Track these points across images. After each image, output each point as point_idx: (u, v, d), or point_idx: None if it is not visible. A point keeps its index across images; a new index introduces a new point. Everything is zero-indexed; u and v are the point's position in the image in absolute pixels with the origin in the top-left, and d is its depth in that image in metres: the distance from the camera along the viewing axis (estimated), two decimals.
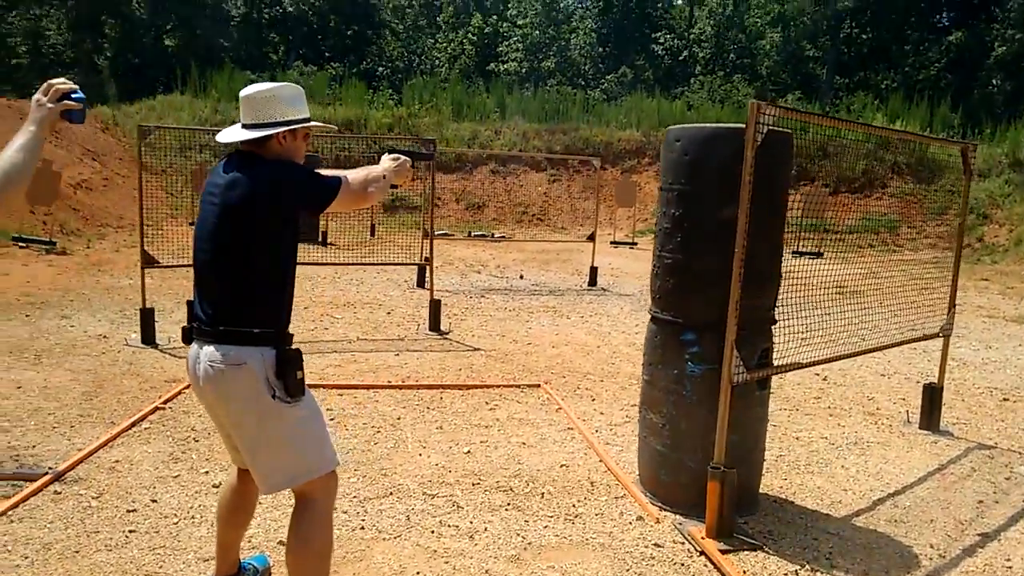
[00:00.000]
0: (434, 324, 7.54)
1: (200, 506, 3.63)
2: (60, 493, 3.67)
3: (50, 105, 2.05)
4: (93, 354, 6.19)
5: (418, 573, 3.13)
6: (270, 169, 2.48)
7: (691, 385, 3.72)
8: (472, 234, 16.53)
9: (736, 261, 3.39)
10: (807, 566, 3.29)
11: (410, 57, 31.87)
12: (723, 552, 3.33)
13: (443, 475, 4.11)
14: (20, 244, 11.11)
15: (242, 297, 2.43)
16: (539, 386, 5.78)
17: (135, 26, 30.23)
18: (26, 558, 3.09)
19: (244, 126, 2.55)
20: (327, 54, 29.35)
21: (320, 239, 14.34)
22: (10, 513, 3.43)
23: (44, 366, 5.76)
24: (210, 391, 2.44)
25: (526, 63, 30.89)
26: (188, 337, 2.53)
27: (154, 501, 3.66)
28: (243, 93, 2.56)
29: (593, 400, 5.57)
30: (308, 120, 2.60)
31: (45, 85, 2.09)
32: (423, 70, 29.72)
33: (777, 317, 3.90)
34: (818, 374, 6.50)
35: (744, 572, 3.21)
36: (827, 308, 4.52)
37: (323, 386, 5.53)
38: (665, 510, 3.77)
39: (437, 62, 31.67)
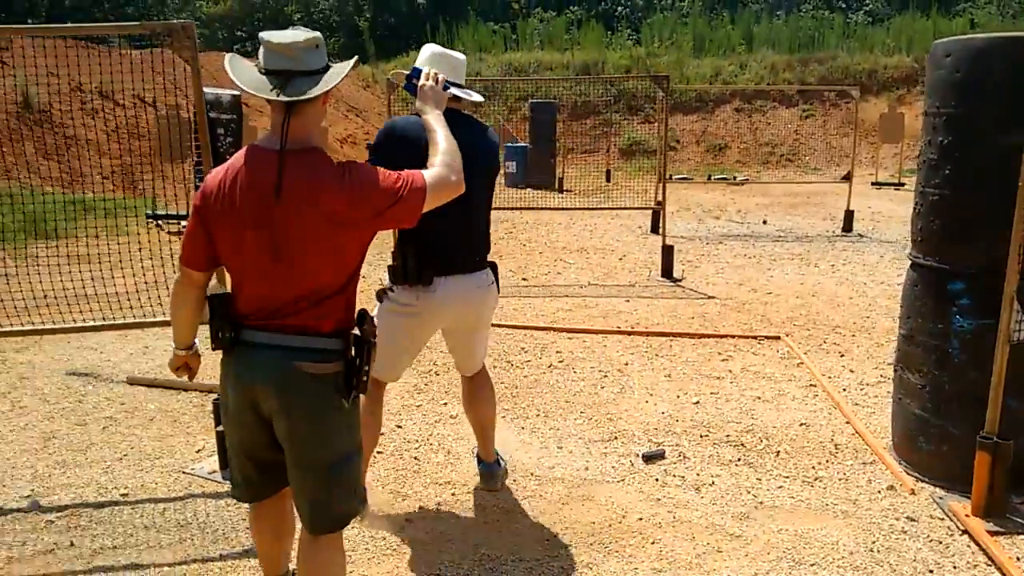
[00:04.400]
0: (666, 270, 7.34)
1: (438, 434, 3.87)
2: None
3: (443, 91, 2.53)
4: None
5: (640, 519, 3.09)
6: (490, 131, 2.98)
7: (959, 342, 3.25)
8: (712, 177, 15.85)
9: (1021, 196, 2.86)
10: None
11: None
12: (991, 533, 2.90)
13: (670, 424, 4.01)
14: None
15: (486, 234, 3.01)
16: (779, 338, 5.41)
17: None
18: None
19: (461, 86, 2.82)
20: None
21: (557, 186, 14.57)
22: None
23: None
24: (475, 305, 2.95)
25: None
26: (429, 278, 2.80)
27: (399, 427, 3.97)
28: (458, 57, 2.86)
29: (841, 356, 5.10)
30: None
31: (432, 73, 2.56)
32: (663, 7, 28.59)
33: None
34: None
35: (1017, 558, 2.77)
36: None
37: (554, 329, 5.62)
38: (922, 481, 3.37)
39: None
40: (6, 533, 2.93)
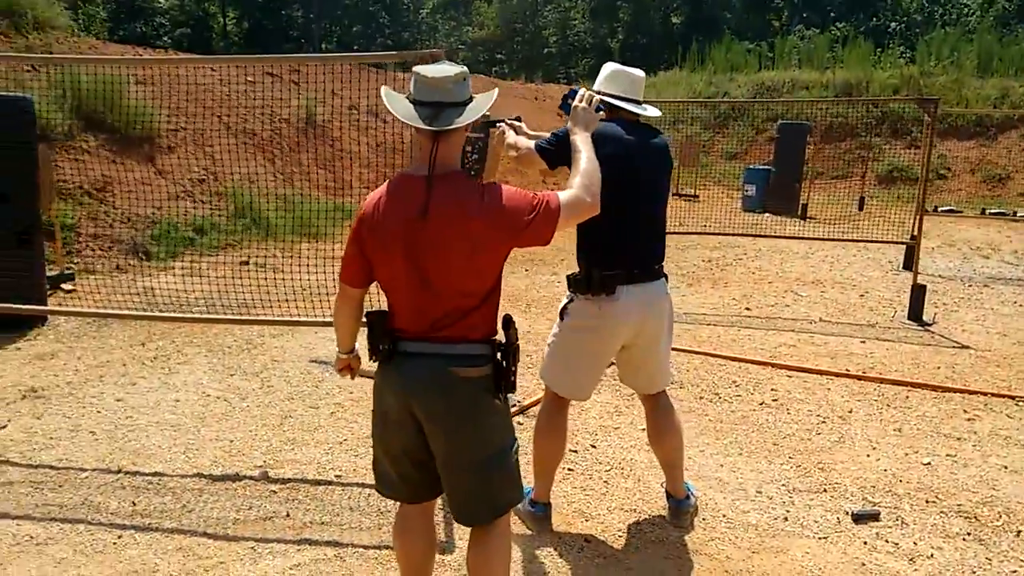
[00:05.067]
0: (914, 312, 6.61)
1: (631, 460, 3.82)
2: (521, 424, 4.22)
3: (595, 113, 2.54)
4: None
5: None
6: (661, 136, 3.00)
7: None
8: (987, 211, 14.04)
9: None
10: None
11: (931, 8, 28.03)
12: None
13: (891, 483, 3.61)
14: None
15: (664, 240, 3.02)
16: None
17: (645, 8, 32.49)
18: None
19: (640, 103, 2.94)
20: (832, 14, 27.59)
21: (800, 212, 13.75)
22: None
23: (531, 314, 6.66)
24: (656, 314, 2.92)
25: None
26: (613, 287, 2.81)
27: (593, 447, 3.97)
28: (634, 73, 2.94)
29: None
30: None
31: (587, 95, 2.58)
32: (946, 21, 25.89)
33: None
34: None
35: None
36: None
37: (772, 365, 5.30)
38: None
39: (966, 10, 27.26)
40: (237, 496, 3.35)
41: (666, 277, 3.02)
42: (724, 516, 3.29)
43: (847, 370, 5.24)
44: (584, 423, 4.26)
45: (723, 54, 23.22)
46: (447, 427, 2.15)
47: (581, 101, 2.58)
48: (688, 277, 8.45)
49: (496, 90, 2.48)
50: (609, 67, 2.98)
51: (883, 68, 20.32)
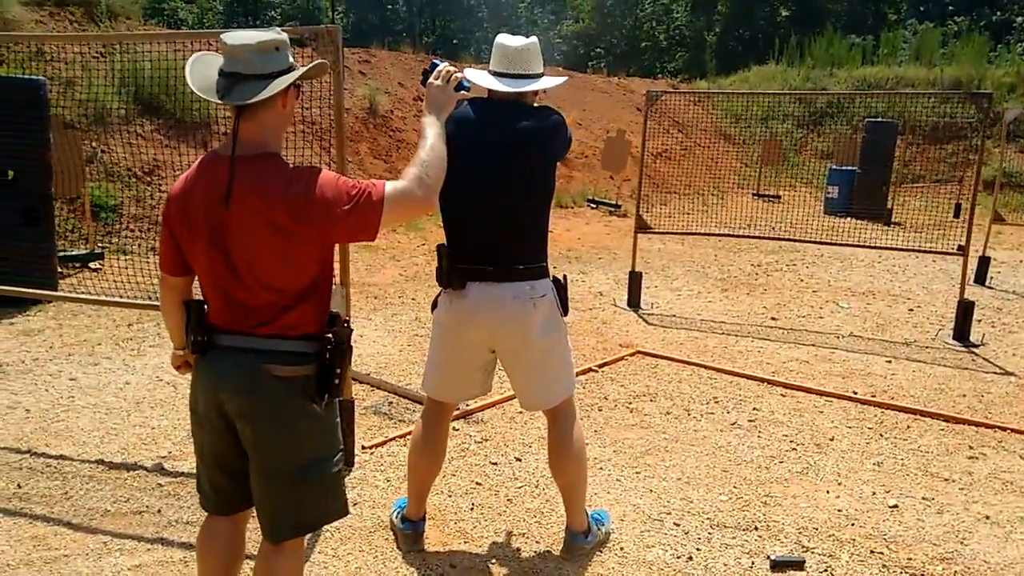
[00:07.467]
0: (960, 332, 5.89)
1: (550, 478, 3.49)
2: (457, 430, 3.96)
3: (452, 93, 2.28)
4: (582, 309, 6.56)
5: None
6: (533, 115, 2.58)
7: None
8: None
9: None
10: None
11: None
12: None
13: (839, 526, 3.14)
14: (592, 205, 12.59)
15: (527, 238, 2.65)
16: None
17: (749, 1, 31.12)
18: (388, 480, 3.41)
19: (517, 76, 2.58)
20: (951, 8, 25.53)
21: (886, 218, 12.76)
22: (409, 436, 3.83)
23: None
24: (512, 320, 2.59)
25: None
26: (461, 281, 2.58)
27: (519, 460, 3.67)
28: (508, 44, 2.59)
29: None
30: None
31: (445, 70, 2.30)
32: None
33: None
34: None
35: None
36: None
37: (767, 381, 4.81)
38: None
39: None
40: (123, 487, 3.27)
41: (556, 282, 2.66)
42: (621, 549, 2.93)
43: (854, 392, 4.68)
44: (524, 432, 3.97)
45: (824, 48, 21.89)
46: (256, 429, 1.99)
47: (438, 78, 2.31)
48: (726, 282, 7.91)
49: (320, 62, 2.26)
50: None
51: (1000, 66, 18.61)
